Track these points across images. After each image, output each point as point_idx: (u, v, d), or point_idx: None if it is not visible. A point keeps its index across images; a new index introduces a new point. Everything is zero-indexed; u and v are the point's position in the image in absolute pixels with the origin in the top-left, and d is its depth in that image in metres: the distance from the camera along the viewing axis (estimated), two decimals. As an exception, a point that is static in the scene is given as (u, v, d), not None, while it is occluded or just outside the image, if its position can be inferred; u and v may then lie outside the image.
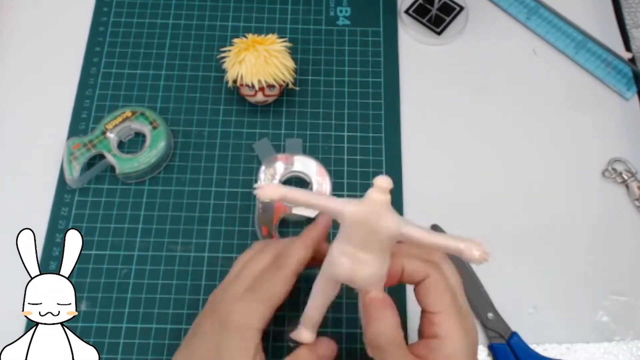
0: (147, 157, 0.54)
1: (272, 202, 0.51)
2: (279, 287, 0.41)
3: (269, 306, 0.40)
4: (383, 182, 0.35)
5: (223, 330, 0.39)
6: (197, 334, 0.41)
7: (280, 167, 0.54)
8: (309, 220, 0.53)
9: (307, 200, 0.38)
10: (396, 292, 0.51)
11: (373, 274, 0.37)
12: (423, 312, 0.40)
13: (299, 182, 0.54)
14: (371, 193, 0.36)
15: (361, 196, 0.36)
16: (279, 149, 0.56)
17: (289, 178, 0.54)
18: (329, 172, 0.55)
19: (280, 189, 0.37)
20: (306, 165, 0.54)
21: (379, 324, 0.38)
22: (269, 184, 0.43)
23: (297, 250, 0.42)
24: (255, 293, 0.41)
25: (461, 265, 0.51)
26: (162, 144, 0.55)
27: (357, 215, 0.36)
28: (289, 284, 0.41)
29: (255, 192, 0.37)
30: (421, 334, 0.40)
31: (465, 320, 0.39)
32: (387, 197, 0.35)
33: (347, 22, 0.63)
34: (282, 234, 0.53)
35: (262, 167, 0.54)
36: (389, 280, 0.39)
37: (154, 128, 0.55)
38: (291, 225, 0.54)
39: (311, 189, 0.53)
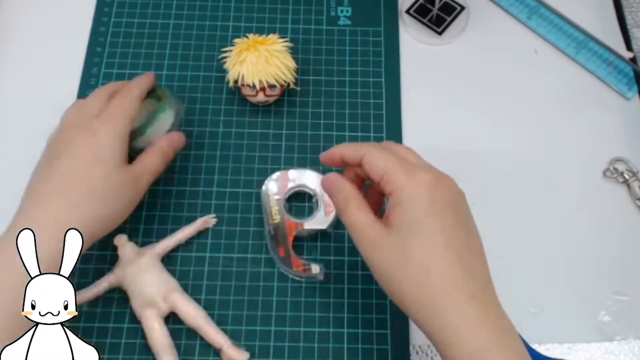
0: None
1: (282, 223, 0.51)
2: (129, 106, 0.47)
3: (127, 119, 0.47)
4: None
5: (95, 133, 0.45)
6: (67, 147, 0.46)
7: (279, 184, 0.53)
8: (323, 233, 0.53)
9: None
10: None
11: None
12: (379, 187, 0.41)
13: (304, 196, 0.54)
14: None
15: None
16: (279, 149, 0.56)
17: (293, 194, 0.54)
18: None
19: None
20: (310, 179, 0.53)
21: (337, 194, 0.43)
22: None
23: (137, 84, 0.50)
24: (110, 111, 0.47)
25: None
26: (163, 144, 0.54)
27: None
28: (137, 103, 0.48)
29: None
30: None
31: (418, 174, 0.39)
32: None
33: (348, 22, 0.63)
34: (298, 250, 0.52)
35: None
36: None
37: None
38: (306, 240, 0.53)
39: (316, 202, 0.53)
